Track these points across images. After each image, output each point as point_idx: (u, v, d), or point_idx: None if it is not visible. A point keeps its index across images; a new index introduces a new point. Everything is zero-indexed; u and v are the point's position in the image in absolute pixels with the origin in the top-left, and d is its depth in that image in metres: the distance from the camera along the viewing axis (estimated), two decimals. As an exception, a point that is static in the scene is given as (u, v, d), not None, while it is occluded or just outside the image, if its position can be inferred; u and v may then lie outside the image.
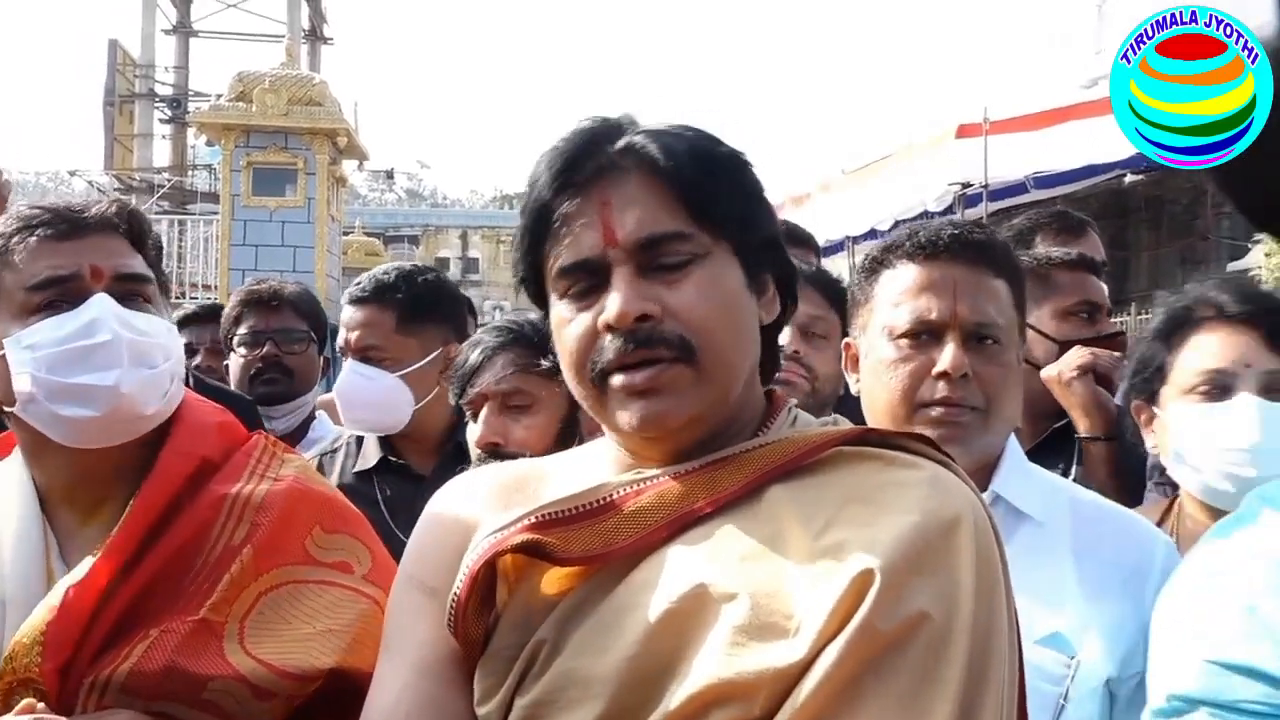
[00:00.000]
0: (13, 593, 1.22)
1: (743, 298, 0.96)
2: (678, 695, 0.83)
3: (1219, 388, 1.54)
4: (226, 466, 1.31)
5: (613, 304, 0.91)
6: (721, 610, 0.85)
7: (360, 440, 2.30)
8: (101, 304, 1.25)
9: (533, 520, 0.92)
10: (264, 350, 2.75)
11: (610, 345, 0.92)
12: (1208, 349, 1.56)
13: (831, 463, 0.93)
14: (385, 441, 2.29)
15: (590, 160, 0.94)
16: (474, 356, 1.73)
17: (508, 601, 0.94)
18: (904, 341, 1.40)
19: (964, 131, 11.43)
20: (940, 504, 0.88)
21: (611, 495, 0.93)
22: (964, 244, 1.41)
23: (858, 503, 0.88)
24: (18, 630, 1.18)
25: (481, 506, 1.02)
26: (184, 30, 22.32)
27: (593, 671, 0.86)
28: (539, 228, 0.95)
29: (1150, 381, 1.63)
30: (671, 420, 0.92)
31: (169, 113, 21.86)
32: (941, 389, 1.36)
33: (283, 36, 19.83)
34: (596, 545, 0.90)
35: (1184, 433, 1.57)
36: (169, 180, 20.40)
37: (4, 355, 1.25)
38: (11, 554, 1.24)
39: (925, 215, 12.25)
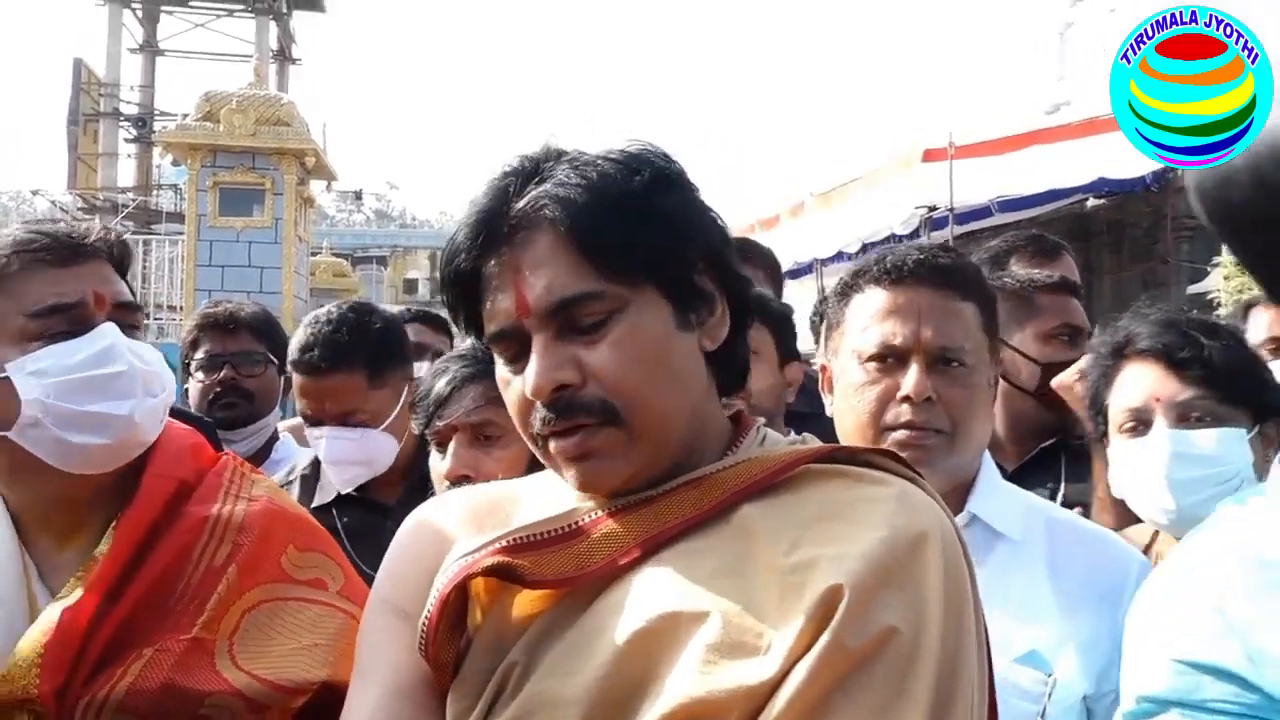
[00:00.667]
0: None
1: (671, 341, 0.94)
2: (649, 715, 0.83)
3: (1142, 423, 1.58)
4: (201, 488, 1.32)
5: (528, 377, 0.91)
6: (692, 630, 0.84)
7: (315, 473, 2.28)
8: (114, 332, 1.26)
9: (504, 544, 0.92)
10: (222, 374, 2.71)
11: (536, 416, 0.93)
12: (1128, 386, 1.60)
13: (800, 481, 0.94)
14: None
15: (501, 221, 0.92)
16: (440, 386, 1.68)
17: (480, 624, 0.94)
18: (871, 365, 1.42)
19: (930, 156, 11.55)
20: (908, 520, 0.88)
21: (582, 520, 0.94)
22: (930, 268, 1.43)
23: (826, 520, 0.89)
24: (10, 652, 1.18)
25: (455, 529, 1.01)
26: (150, 49, 22.18)
27: (563, 693, 0.86)
28: (467, 291, 0.95)
29: (1098, 421, 1.67)
30: (609, 480, 0.93)
31: (134, 132, 21.69)
32: (905, 413, 1.38)
33: (250, 57, 19.77)
34: (569, 568, 0.90)
35: (1119, 469, 1.61)
36: (133, 200, 20.22)
37: (5, 378, 1.23)
38: None
39: (892, 238, 12.36)
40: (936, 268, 1.44)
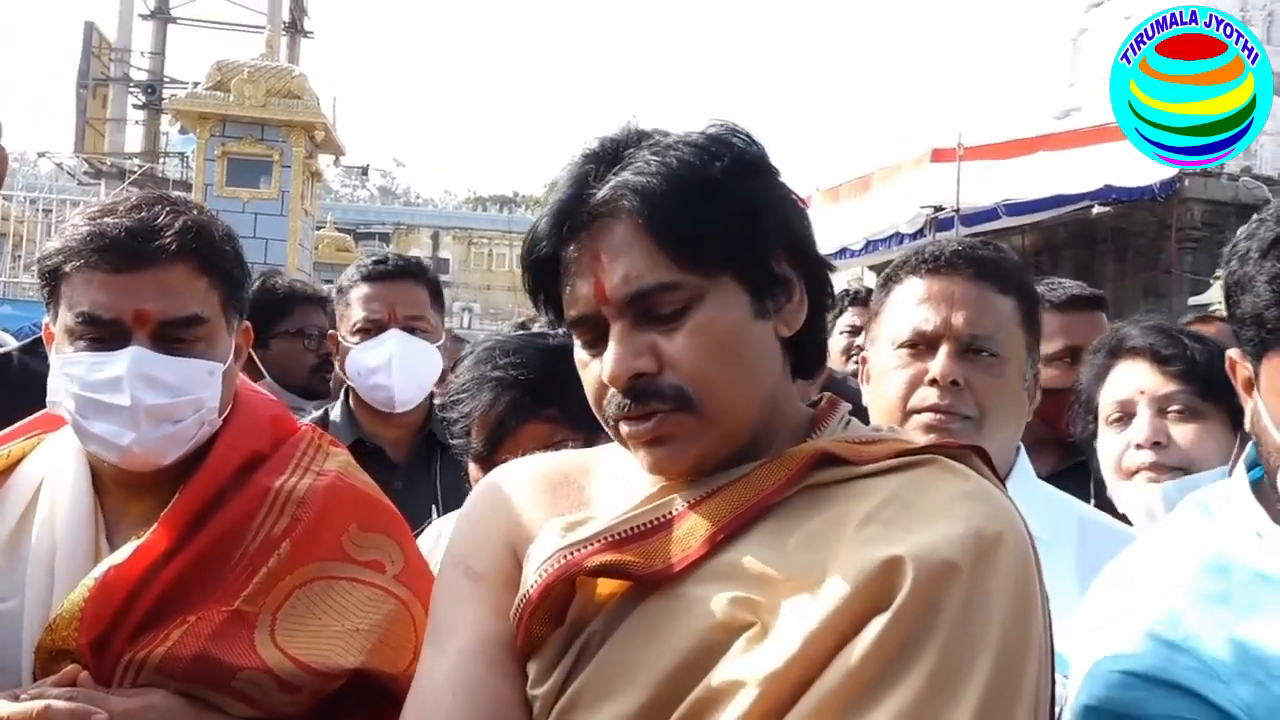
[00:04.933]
0: (61, 566, 1.26)
1: (747, 329, 0.94)
2: (696, 692, 0.86)
3: (1126, 414, 1.64)
4: (274, 458, 1.34)
5: (606, 364, 0.92)
6: (753, 616, 0.87)
7: (324, 423, 2.33)
8: (131, 361, 1.24)
9: (609, 539, 0.93)
10: (324, 349, 2.80)
11: (611, 400, 0.94)
12: (1115, 382, 1.68)
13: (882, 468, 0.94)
14: (359, 427, 2.35)
15: (580, 208, 0.93)
16: (502, 413, 1.52)
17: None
18: (903, 351, 1.44)
19: (938, 156, 11.58)
20: (984, 520, 0.87)
21: (676, 508, 0.95)
22: (967, 259, 1.45)
23: (903, 509, 0.89)
24: (61, 603, 1.22)
25: (528, 498, 1.03)
26: (162, 16, 22.08)
27: (637, 661, 0.89)
28: (547, 274, 0.97)
29: (1088, 419, 1.72)
30: (678, 465, 0.94)
31: (143, 98, 21.61)
32: (931, 396, 1.40)
33: (262, 27, 19.70)
34: (674, 555, 0.91)
35: (1105, 461, 1.66)
36: (140, 166, 20.16)
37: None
38: (64, 529, 1.28)
39: (897, 237, 12.37)
40: (974, 259, 1.45)
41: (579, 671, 0.91)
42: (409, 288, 2.32)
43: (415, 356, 2.26)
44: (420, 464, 2.29)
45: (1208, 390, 1.60)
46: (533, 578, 0.94)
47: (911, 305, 1.45)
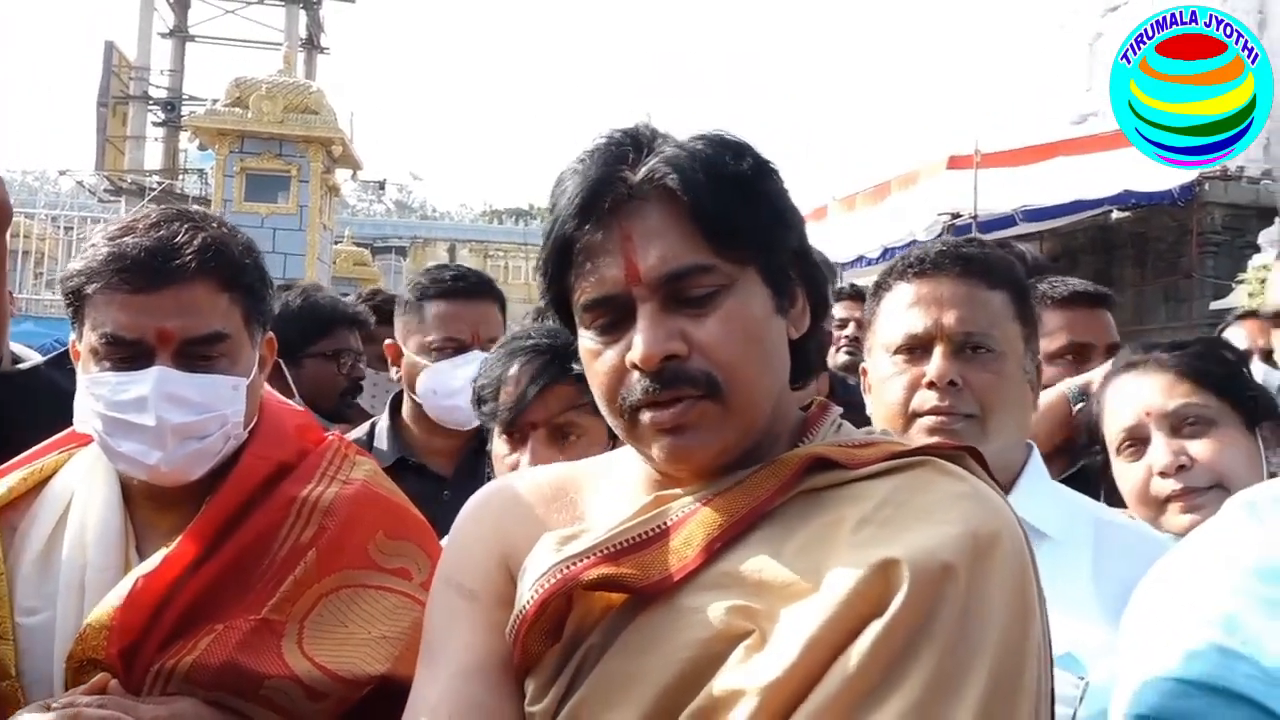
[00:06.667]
0: (92, 579, 1.27)
1: (770, 322, 0.95)
2: (697, 701, 0.85)
3: (1138, 441, 1.53)
4: (300, 467, 1.35)
5: (638, 345, 0.91)
6: (751, 624, 0.86)
7: (370, 440, 2.33)
8: (155, 380, 1.25)
9: (605, 552, 0.92)
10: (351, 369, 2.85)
11: (638, 384, 0.92)
12: (1117, 406, 1.57)
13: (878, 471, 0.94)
14: (403, 443, 2.32)
15: (610, 189, 0.92)
16: (525, 384, 1.60)
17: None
18: (898, 357, 1.44)
19: (955, 163, 11.56)
20: (980, 519, 0.87)
21: (672, 518, 0.94)
22: (953, 258, 1.45)
23: (894, 507, 0.89)
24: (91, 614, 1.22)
25: (521, 512, 1.03)
26: (181, 34, 22.29)
27: (637, 672, 0.88)
28: (562, 259, 0.95)
29: (1094, 452, 1.63)
30: (699, 455, 0.93)
31: (162, 116, 21.80)
32: (931, 398, 1.39)
33: (280, 44, 19.88)
34: (672, 566, 0.91)
35: (1127, 494, 1.56)
36: (159, 183, 20.33)
37: None
38: (95, 543, 1.29)
39: (914, 244, 12.31)
40: (960, 257, 1.45)
41: (577, 686, 0.90)
42: (487, 308, 2.31)
43: None
44: (469, 474, 2.27)
45: (1217, 391, 1.51)
46: (528, 593, 0.93)
47: (902, 310, 1.45)
